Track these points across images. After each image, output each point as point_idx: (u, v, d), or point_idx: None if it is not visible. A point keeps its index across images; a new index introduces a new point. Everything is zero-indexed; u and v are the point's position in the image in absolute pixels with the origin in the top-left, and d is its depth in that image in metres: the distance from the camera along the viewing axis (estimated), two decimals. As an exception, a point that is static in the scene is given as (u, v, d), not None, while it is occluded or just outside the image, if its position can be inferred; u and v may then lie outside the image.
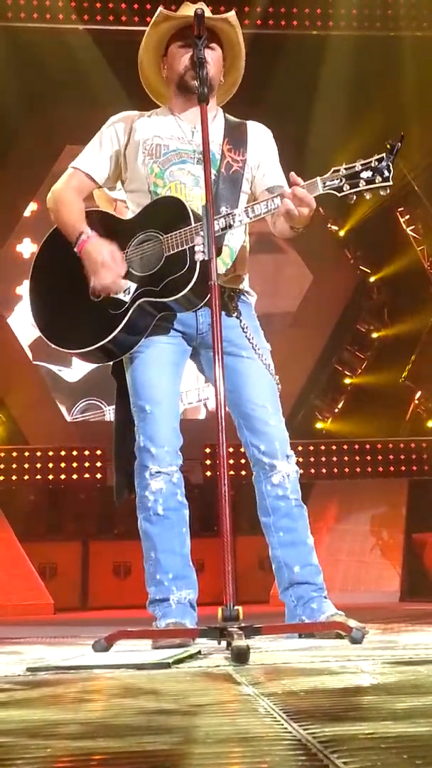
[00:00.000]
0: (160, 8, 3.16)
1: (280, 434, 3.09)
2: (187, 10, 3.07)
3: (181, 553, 3.03)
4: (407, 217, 9.81)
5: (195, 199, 3.00)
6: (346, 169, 2.84)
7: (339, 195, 2.84)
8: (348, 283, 10.54)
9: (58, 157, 9.35)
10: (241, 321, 3.12)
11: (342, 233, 10.15)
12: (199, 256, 2.85)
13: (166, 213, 2.96)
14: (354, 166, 2.83)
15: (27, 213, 10.35)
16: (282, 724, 1.34)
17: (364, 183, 2.82)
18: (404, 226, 9.80)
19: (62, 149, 9.50)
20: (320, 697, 1.67)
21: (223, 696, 1.74)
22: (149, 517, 3.02)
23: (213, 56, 3.10)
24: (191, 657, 2.40)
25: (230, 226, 2.94)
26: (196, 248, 2.85)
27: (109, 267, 2.98)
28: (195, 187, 3.05)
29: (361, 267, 10.38)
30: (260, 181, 3.19)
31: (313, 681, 1.87)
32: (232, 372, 3.03)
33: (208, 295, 2.67)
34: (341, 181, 2.83)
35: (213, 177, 3.01)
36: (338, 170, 2.84)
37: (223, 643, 2.39)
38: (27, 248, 10.27)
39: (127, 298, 2.99)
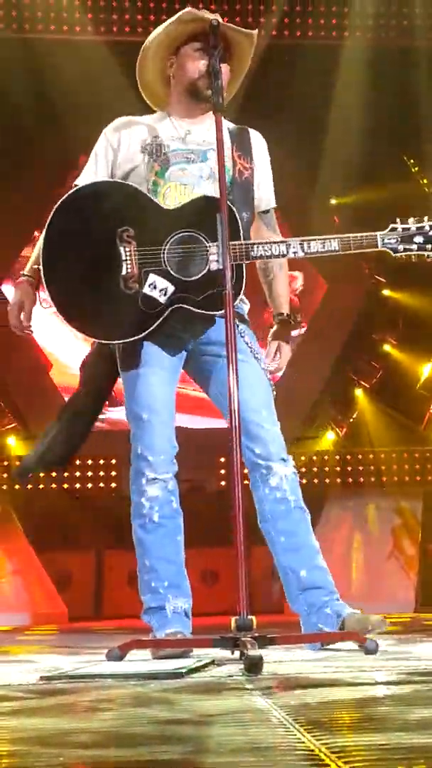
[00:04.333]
0: (189, 8, 3.06)
1: (276, 437, 3.02)
2: (208, 16, 2.96)
3: (177, 561, 3.00)
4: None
5: None
6: (403, 229, 2.88)
7: (394, 255, 2.89)
8: (362, 293, 10.50)
9: (76, 167, 9.38)
10: (238, 326, 2.93)
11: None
12: (213, 266, 2.83)
13: (213, 217, 2.75)
14: (409, 228, 2.88)
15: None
16: (295, 734, 1.34)
17: (416, 248, 2.88)
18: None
19: (78, 160, 9.53)
20: (333, 707, 1.67)
21: (235, 706, 1.74)
22: (145, 525, 2.98)
23: (225, 69, 3.01)
24: (204, 667, 2.39)
25: (283, 255, 2.93)
26: (210, 257, 2.85)
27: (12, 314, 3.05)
28: (197, 187, 2.98)
29: (375, 276, 10.35)
30: (258, 200, 3.13)
31: (327, 691, 1.87)
32: (225, 376, 2.82)
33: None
34: (397, 241, 2.88)
35: (228, 182, 2.92)
36: (396, 228, 2.88)
37: (237, 653, 2.39)
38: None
39: (163, 299, 2.88)
